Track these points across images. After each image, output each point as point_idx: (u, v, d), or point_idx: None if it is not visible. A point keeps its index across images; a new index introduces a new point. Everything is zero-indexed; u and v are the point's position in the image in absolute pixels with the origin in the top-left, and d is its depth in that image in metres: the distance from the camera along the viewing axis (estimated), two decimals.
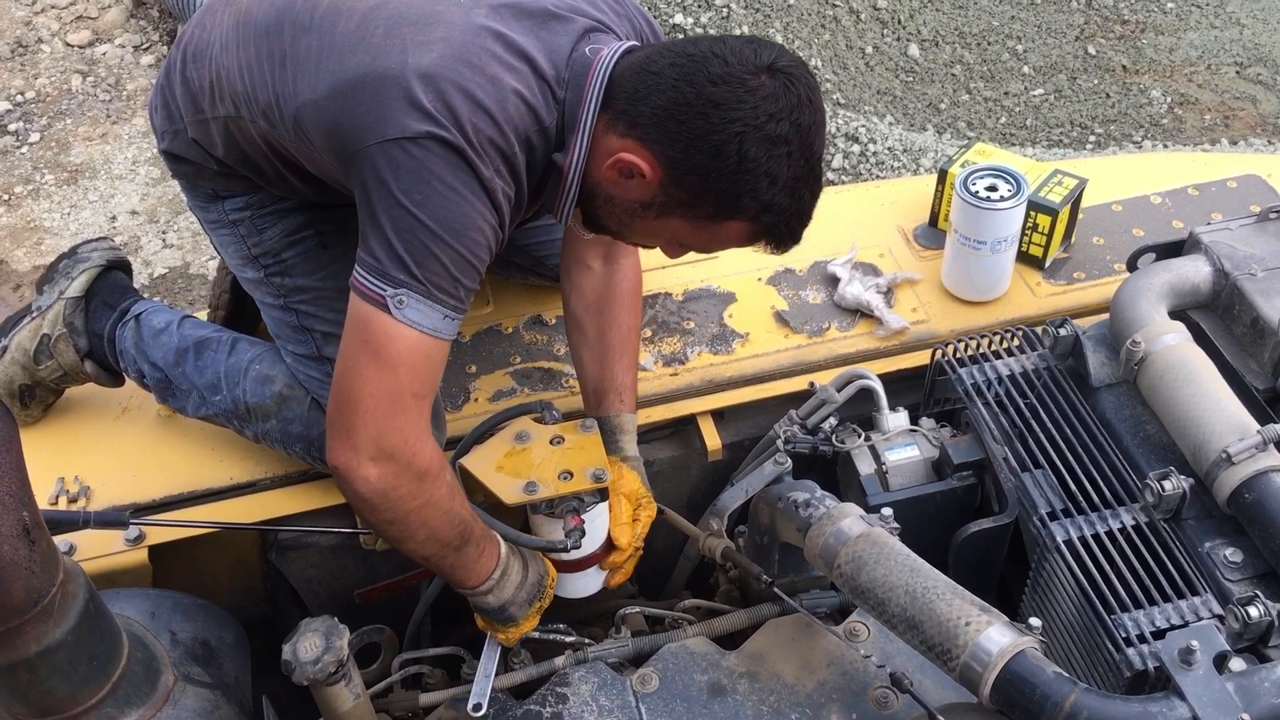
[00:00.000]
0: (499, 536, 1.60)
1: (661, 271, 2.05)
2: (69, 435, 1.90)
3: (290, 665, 1.42)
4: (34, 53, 4.97)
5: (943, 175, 2.03)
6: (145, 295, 1.94)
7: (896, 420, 1.78)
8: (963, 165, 1.98)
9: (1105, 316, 1.76)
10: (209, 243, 4.02)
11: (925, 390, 1.86)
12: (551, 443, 1.65)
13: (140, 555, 1.74)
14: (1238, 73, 4.84)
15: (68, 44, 4.99)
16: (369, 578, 1.92)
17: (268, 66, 1.52)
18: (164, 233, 4.22)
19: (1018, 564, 1.70)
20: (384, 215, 1.40)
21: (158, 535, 1.75)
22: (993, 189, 1.89)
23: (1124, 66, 4.82)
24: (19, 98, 4.79)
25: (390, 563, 1.90)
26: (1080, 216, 2.07)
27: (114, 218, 4.25)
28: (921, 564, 1.44)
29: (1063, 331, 1.72)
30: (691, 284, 2.05)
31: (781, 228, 1.48)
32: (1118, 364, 1.70)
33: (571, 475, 1.61)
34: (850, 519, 1.50)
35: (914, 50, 4.76)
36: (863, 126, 4.36)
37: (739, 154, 1.40)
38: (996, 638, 1.31)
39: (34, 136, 4.62)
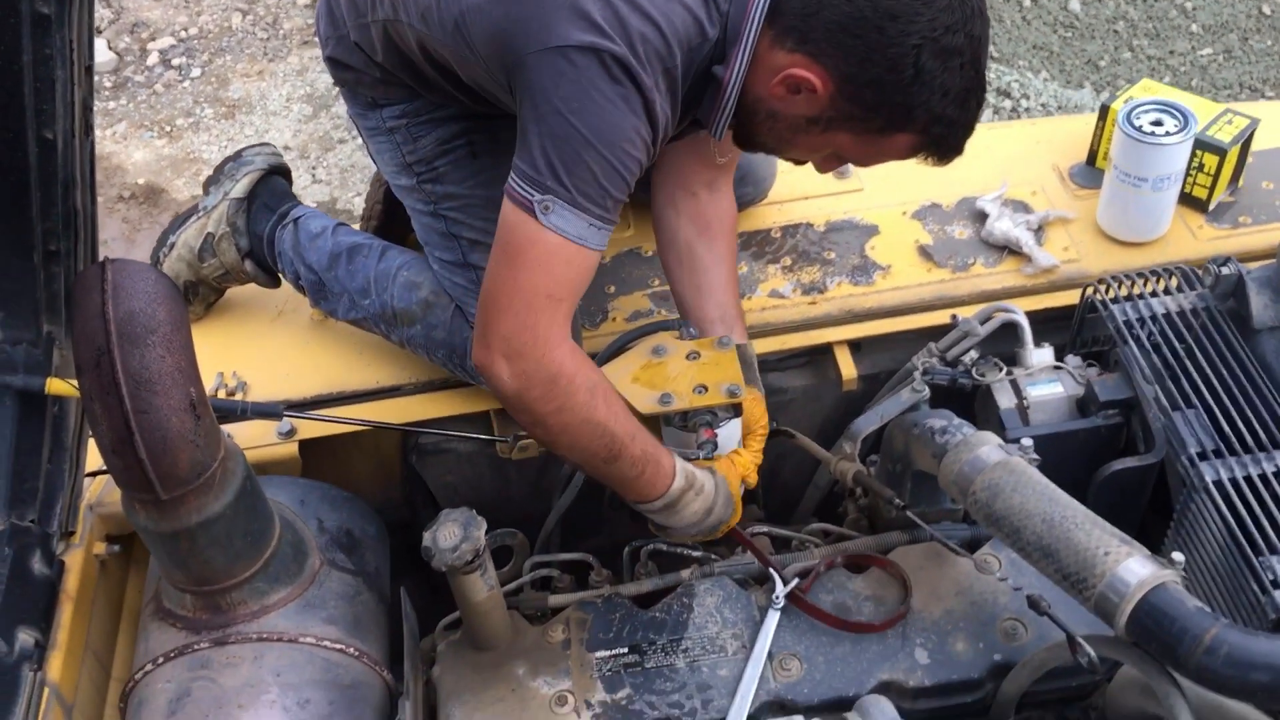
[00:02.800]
0: (681, 464, 1.59)
1: (805, 202, 2.04)
2: (229, 334, 1.99)
3: (430, 551, 1.47)
4: None
5: (1104, 111, 1.96)
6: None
7: (1041, 356, 1.74)
8: (1127, 100, 1.91)
9: (1273, 261, 1.69)
10: (359, 174, 4.16)
11: (1074, 328, 1.81)
12: (688, 358, 1.66)
13: (291, 449, 1.82)
14: None
15: None
16: (503, 487, 1.97)
17: None
18: (314, 168, 4.35)
19: (1160, 515, 1.65)
20: (540, 122, 1.42)
21: (307, 431, 1.83)
22: (1158, 124, 1.82)
23: None
24: (182, 34, 4.98)
25: (524, 474, 1.95)
26: (1250, 160, 1.99)
27: None
28: (1060, 493, 1.41)
29: (1225, 270, 1.66)
30: (834, 215, 2.03)
31: (949, 140, 1.49)
32: None
33: (706, 389, 1.62)
34: (988, 447, 1.48)
35: (1075, 4, 4.59)
36: (1016, 81, 4.24)
37: (915, 66, 1.40)
38: (1136, 569, 1.28)
39: (195, 71, 4.80)
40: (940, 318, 1.85)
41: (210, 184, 1.96)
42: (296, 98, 4.66)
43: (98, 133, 4.24)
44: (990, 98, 4.14)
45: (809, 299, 1.91)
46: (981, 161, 2.08)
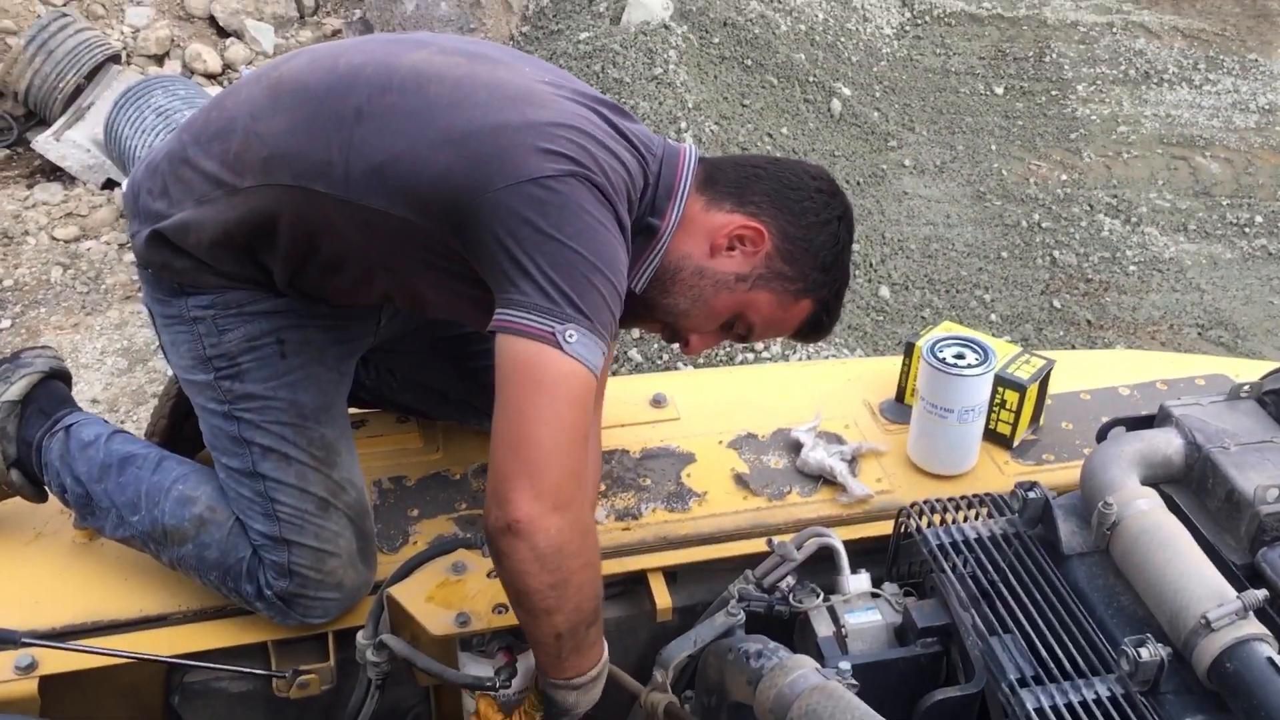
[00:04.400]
0: None
1: (621, 429, 1.99)
2: None
3: None
4: (19, 244, 5.02)
5: (909, 348, 2.01)
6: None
7: (858, 582, 1.68)
8: (929, 336, 1.96)
9: (1077, 491, 1.70)
10: None
11: (890, 555, 1.76)
12: (489, 575, 1.55)
13: (29, 685, 1.58)
14: (1199, 334, 4.96)
15: (53, 238, 5.06)
16: None
17: (331, 124, 1.50)
18: (122, 422, 4.14)
19: None
20: (534, 252, 1.39)
21: (52, 664, 1.60)
22: (960, 357, 1.87)
23: (1089, 321, 4.94)
24: None
25: (300, 705, 1.74)
26: (1048, 403, 2.05)
27: None
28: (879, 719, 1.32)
29: (1032, 495, 1.66)
30: (650, 443, 1.99)
31: (834, 312, 1.69)
32: (1089, 532, 1.63)
33: (507, 609, 1.49)
34: (805, 670, 1.40)
35: (885, 292, 4.88)
36: (832, 356, 4.41)
37: (836, 237, 1.62)
38: None
39: (4, 323, 4.61)
40: (757, 545, 1.78)
41: None
42: (111, 351, 4.50)
43: None
44: None
45: (623, 524, 1.83)
46: (795, 395, 2.09)
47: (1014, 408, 1.95)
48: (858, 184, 5.55)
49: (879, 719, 1.32)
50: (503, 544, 1.37)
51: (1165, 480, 1.69)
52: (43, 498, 1.78)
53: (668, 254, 1.59)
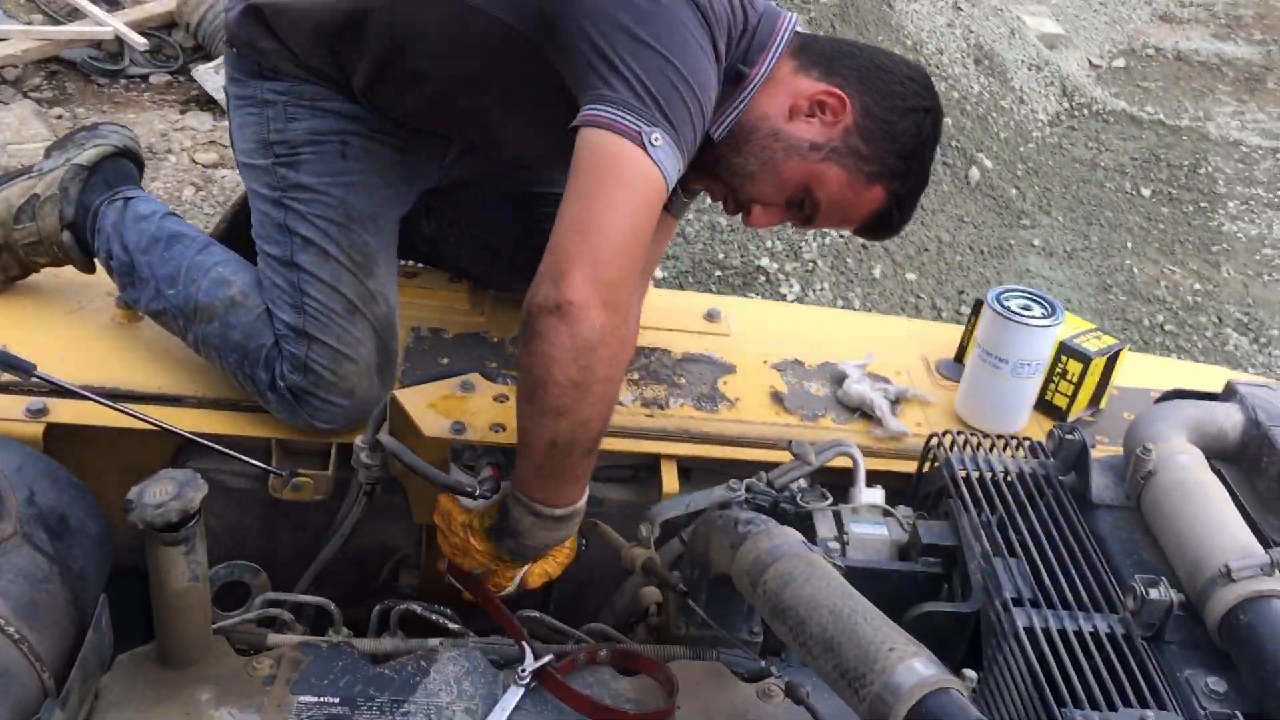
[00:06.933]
0: None
1: (669, 332, 1.96)
2: (14, 313, 1.81)
3: (130, 505, 1.25)
4: (160, 160, 5.22)
5: (977, 305, 1.93)
6: None
7: (871, 495, 1.61)
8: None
9: (1119, 453, 1.61)
10: None
11: (914, 481, 1.69)
12: (495, 399, 1.52)
13: (34, 429, 1.60)
14: None
15: (194, 160, 5.26)
16: (270, 545, 1.75)
17: None
18: None
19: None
20: (626, 55, 1.39)
21: (61, 414, 1.63)
22: (1027, 308, 1.79)
23: None
24: None
25: (294, 533, 1.74)
26: (1113, 391, 1.94)
27: None
28: (856, 593, 1.26)
29: (1070, 437, 1.57)
30: (693, 348, 1.94)
31: (906, 211, 1.61)
32: (1121, 487, 1.53)
33: (504, 428, 1.47)
34: (791, 540, 1.33)
35: None
36: None
37: (919, 127, 1.56)
38: (919, 669, 1.12)
39: None
40: (778, 456, 1.71)
41: (54, 149, 1.84)
42: None
43: None
44: None
45: (647, 411, 1.78)
46: (852, 339, 2.02)
47: (1075, 379, 1.86)
48: (981, 253, 5.45)
49: (854, 590, 1.26)
50: (543, 323, 1.32)
51: (1217, 455, 1.58)
52: (90, 268, 1.82)
53: (748, 110, 1.56)
